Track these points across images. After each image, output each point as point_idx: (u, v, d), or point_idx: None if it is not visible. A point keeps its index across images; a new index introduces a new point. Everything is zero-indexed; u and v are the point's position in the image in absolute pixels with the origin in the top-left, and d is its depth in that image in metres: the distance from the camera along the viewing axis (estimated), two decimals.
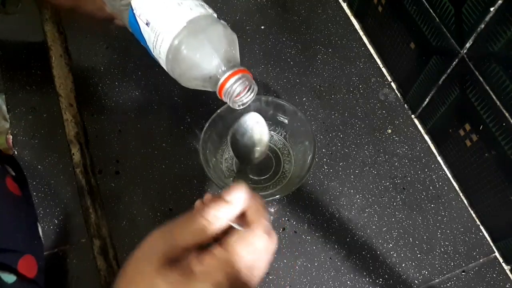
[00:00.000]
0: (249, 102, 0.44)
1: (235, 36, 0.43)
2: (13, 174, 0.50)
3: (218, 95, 0.41)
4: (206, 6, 0.43)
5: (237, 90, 0.40)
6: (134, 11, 0.42)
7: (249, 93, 0.42)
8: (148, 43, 0.43)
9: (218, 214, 0.32)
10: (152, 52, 0.43)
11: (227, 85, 0.40)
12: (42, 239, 0.50)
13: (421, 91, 0.57)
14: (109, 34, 0.65)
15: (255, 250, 0.31)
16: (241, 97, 0.42)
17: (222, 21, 0.43)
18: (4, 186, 0.43)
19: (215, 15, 0.43)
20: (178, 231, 0.31)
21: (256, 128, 0.49)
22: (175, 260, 0.30)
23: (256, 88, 0.42)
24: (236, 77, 0.40)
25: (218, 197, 0.33)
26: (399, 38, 0.58)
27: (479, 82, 0.46)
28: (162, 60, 0.42)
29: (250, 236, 0.31)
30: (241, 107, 0.44)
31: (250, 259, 0.31)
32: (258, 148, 0.50)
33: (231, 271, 0.30)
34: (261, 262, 0.32)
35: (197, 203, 0.33)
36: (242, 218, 0.33)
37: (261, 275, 0.32)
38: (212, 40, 0.40)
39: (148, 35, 0.42)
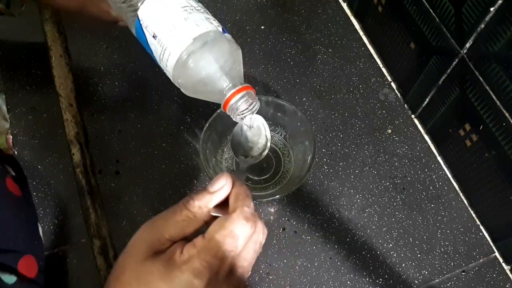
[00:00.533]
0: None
1: (239, 51, 0.44)
2: (13, 174, 0.50)
3: (222, 109, 0.42)
4: (212, 19, 0.44)
5: (242, 107, 0.42)
6: (141, 22, 0.43)
7: (252, 108, 0.44)
8: (154, 55, 0.43)
9: (201, 204, 0.32)
10: (159, 63, 0.44)
11: (232, 101, 0.42)
12: (43, 239, 0.50)
13: (421, 91, 0.57)
14: (109, 34, 0.65)
15: (235, 237, 0.31)
16: (244, 113, 0.43)
17: (227, 34, 0.44)
18: (4, 186, 0.43)
19: (221, 29, 0.43)
20: (163, 223, 0.32)
21: (256, 128, 0.49)
22: (161, 252, 0.31)
23: (258, 104, 0.44)
24: (240, 94, 0.41)
25: (203, 189, 0.33)
26: (399, 38, 0.58)
27: (479, 82, 0.46)
28: (168, 72, 0.43)
29: (229, 223, 0.31)
30: (243, 121, 0.45)
31: (231, 246, 0.31)
32: (257, 148, 0.50)
33: (210, 259, 0.30)
34: (245, 251, 0.32)
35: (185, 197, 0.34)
36: (226, 207, 0.33)
37: (247, 264, 0.32)
38: (218, 57, 0.42)
39: (155, 47, 0.42)
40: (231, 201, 0.33)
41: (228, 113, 0.43)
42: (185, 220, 0.32)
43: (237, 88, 0.41)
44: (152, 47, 0.43)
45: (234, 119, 0.44)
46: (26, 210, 0.47)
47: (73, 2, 0.48)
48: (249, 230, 0.32)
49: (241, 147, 0.49)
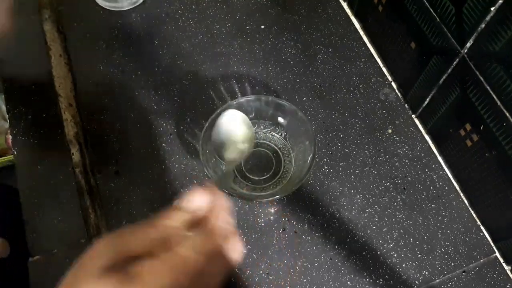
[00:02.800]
0: None
1: None
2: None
3: None
4: None
5: None
6: None
7: None
8: None
9: (170, 223, 0.31)
10: None
11: None
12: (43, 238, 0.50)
13: (422, 91, 0.57)
14: (109, 33, 0.65)
15: (199, 254, 0.29)
16: None
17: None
18: None
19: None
20: (128, 238, 0.30)
21: (232, 126, 0.49)
22: (119, 266, 0.29)
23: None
24: None
25: (172, 205, 0.32)
26: (399, 38, 0.58)
27: (480, 82, 0.46)
28: None
29: (193, 239, 0.30)
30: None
31: (189, 261, 0.29)
32: (240, 145, 0.49)
33: (168, 275, 0.28)
34: (211, 267, 0.30)
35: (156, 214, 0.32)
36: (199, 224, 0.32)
37: (214, 282, 0.30)
38: None
39: None
40: (203, 217, 0.32)
41: None
42: (150, 237, 0.30)
43: None
44: None
45: None
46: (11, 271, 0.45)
47: None
48: (215, 248, 0.30)
49: (223, 147, 0.49)
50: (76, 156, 0.56)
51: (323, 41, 0.66)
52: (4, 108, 0.61)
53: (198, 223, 0.32)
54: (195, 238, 0.30)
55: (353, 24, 0.68)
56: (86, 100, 0.60)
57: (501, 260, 0.53)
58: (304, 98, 0.61)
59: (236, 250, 0.32)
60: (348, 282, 0.51)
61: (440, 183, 0.56)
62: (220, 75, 0.63)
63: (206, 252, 0.30)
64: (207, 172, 0.49)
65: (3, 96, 0.61)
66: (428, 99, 0.57)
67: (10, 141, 0.58)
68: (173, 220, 0.31)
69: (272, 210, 0.55)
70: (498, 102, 0.44)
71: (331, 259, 0.52)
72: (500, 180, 0.48)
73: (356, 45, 0.66)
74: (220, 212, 0.32)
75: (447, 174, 0.57)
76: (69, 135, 0.57)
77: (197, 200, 0.32)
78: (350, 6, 0.69)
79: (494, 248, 0.53)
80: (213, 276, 0.31)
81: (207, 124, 0.51)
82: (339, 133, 0.59)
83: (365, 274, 0.51)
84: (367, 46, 0.66)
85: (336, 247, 0.53)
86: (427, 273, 0.52)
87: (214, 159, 0.54)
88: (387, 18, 0.59)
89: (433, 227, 0.54)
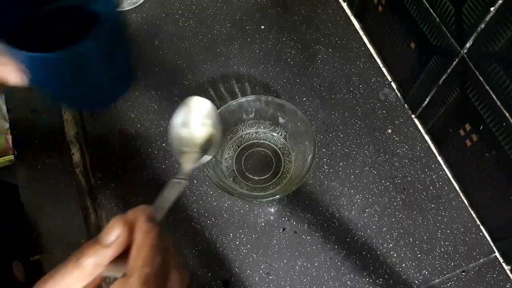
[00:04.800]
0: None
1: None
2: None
3: None
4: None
5: None
6: None
7: None
8: None
9: (96, 261, 0.27)
10: None
11: None
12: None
13: (421, 91, 0.57)
14: None
15: None
16: None
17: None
18: (12, 277, 0.40)
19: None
20: (54, 286, 0.27)
21: (199, 117, 0.43)
22: None
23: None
24: None
25: (94, 240, 0.28)
26: (399, 38, 0.58)
27: (479, 82, 0.46)
28: None
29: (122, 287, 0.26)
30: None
31: None
32: (202, 140, 0.43)
33: None
34: None
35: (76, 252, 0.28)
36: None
37: None
38: None
39: None
40: (131, 256, 0.27)
41: None
42: (79, 281, 0.27)
43: None
44: None
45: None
46: None
47: None
48: None
49: (181, 141, 0.42)
50: (76, 156, 0.56)
51: (323, 41, 0.66)
52: (4, 108, 0.61)
53: (126, 259, 0.28)
54: (118, 285, 0.26)
55: (353, 24, 0.68)
56: None
57: (501, 260, 0.53)
58: (304, 98, 0.61)
59: (183, 284, 0.29)
60: (348, 282, 0.51)
61: (440, 183, 0.57)
62: (220, 75, 0.63)
63: None
64: (207, 172, 0.49)
65: (3, 96, 0.61)
66: (427, 99, 0.57)
67: (10, 141, 0.58)
68: (99, 259, 0.27)
69: (272, 210, 0.55)
70: (498, 102, 0.44)
71: (331, 259, 0.52)
72: (499, 180, 0.48)
73: (356, 45, 0.66)
74: (150, 252, 0.27)
75: (446, 174, 0.57)
76: (69, 135, 0.57)
77: (120, 235, 0.28)
78: (350, 6, 0.69)
79: (494, 248, 0.53)
80: None
81: None
82: (339, 133, 0.59)
83: (365, 273, 0.51)
84: (367, 46, 0.66)
85: (336, 247, 0.53)
86: (426, 272, 0.52)
87: (214, 159, 0.54)
88: (387, 18, 0.59)
89: (433, 227, 0.54)
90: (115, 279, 0.27)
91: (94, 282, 0.28)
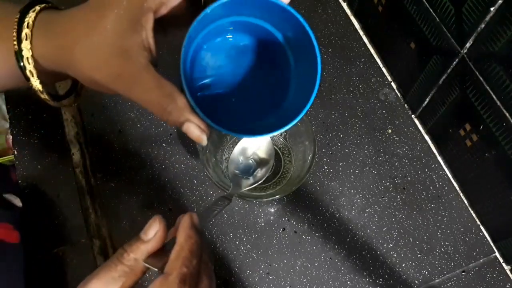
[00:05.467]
0: None
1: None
2: (20, 205, 0.49)
3: None
4: None
5: None
6: None
7: None
8: None
9: (137, 256, 0.30)
10: None
11: None
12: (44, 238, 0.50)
13: (421, 91, 0.57)
14: None
15: None
16: None
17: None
18: None
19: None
20: (99, 283, 0.30)
21: (259, 149, 0.50)
22: None
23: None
24: None
25: (135, 237, 0.31)
26: (399, 38, 0.58)
27: (479, 82, 0.46)
28: None
29: (162, 284, 0.28)
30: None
31: None
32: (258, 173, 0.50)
33: None
34: None
35: (119, 250, 0.31)
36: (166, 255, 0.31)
37: None
38: None
39: None
40: (172, 256, 0.30)
41: None
42: (121, 276, 0.30)
43: None
44: None
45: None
46: (16, 258, 0.45)
47: (117, 79, 0.32)
48: None
49: (237, 166, 0.49)
50: (76, 156, 0.56)
51: (323, 41, 0.66)
52: (4, 108, 0.61)
53: (164, 255, 0.31)
54: (156, 285, 0.28)
55: (353, 24, 0.68)
56: (87, 100, 0.60)
57: (501, 260, 0.53)
58: None
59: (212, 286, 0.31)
60: (348, 282, 0.51)
61: (440, 183, 0.57)
62: None
63: None
64: (207, 172, 0.49)
65: (3, 96, 0.61)
66: (427, 99, 0.57)
67: (10, 141, 0.58)
68: (139, 254, 0.30)
69: (272, 210, 0.55)
70: (498, 102, 0.44)
71: (331, 258, 0.52)
72: (499, 180, 0.48)
73: (356, 45, 0.66)
74: (188, 254, 0.30)
75: (446, 174, 0.57)
76: (69, 135, 0.57)
77: (158, 231, 0.31)
78: (350, 6, 0.69)
79: (494, 248, 0.53)
80: None
81: None
82: (339, 133, 0.59)
83: (364, 273, 0.51)
84: (367, 46, 0.66)
85: (336, 247, 0.53)
86: (426, 272, 0.52)
87: (214, 159, 0.54)
88: (387, 18, 0.59)
89: (433, 227, 0.54)
90: None
91: (136, 276, 0.30)
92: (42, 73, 0.32)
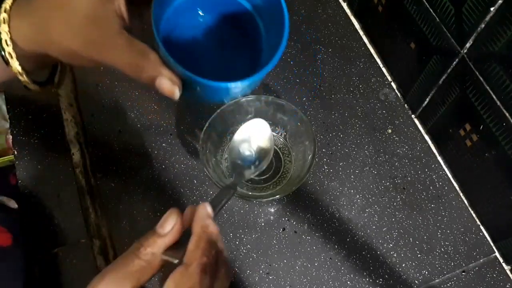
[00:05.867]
0: None
1: None
2: (15, 206, 0.49)
3: None
4: None
5: None
6: None
7: None
8: None
9: (154, 251, 0.30)
10: None
11: None
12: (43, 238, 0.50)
13: (421, 91, 0.57)
14: None
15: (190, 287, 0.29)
16: None
17: None
18: None
19: None
20: (116, 277, 0.30)
21: (259, 137, 0.50)
22: None
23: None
24: None
25: (151, 231, 0.31)
26: (399, 38, 0.58)
27: (479, 82, 0.46)
28: None
29: (184, 277, 0.29)
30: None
31: None
32: (257, 164, 0.50)
33: None
34: None
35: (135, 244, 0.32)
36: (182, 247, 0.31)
37: None
38: None
39: None
40: (190, 247, 0.30)
41: None
42: (138, 270, 0.30)
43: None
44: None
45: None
46: (12, 260, 0.46)
47: (91, 46, 0.33)
48: (208, 283, 0.29)
49: (238, 156, 0.50)
50: (76, 156, 0.56)
51: (323, 41, 0.66)
52: (4, 108, 0.61)
53: (181, 247, 0.31)
54: (185, 279, 0.29)
55: (353, 24, 0.68)
56: (87, 100, 0.60)
57: (501, 260, 0.53)
58: (304, 98, 0.61)
59: (228, 277, 0.32)
60: (348, 282, 0.51)
61: (440, 183, 0.57)
62: None
63: (187, 285, 0.29)
64: (207, 172, 0.49)
65: (3, 96, 0.61)
66: (427, 99, 0.57)
67: (10, 141, 0.58)
68: (157, 248, 0.30)
69: (272, 210, 0.55)
70: (498, 102, 0.44)
71: (331, 258, 0.52)
72: (499, 180, 0.48)
73: (356, 45, 0.66)
74: (207, 244, 0.30)
75: (446, 174, 0.57)
76: (69, 135, 0.57)
77: (175, 224, 0.31)
78: (350, 6, 0.69)
79: (494, 248, 0.53)
80: None
81: (207, 124, 0.52)
82: (339, 133, 0.59)
83: (365, 273, 0.51)
84: (367, 46, 0.66)
85: (336, 247, 0.53)
86: (426, 272, 0.52)
87: (214, 159, 0.54)
88: (387, 18, 0.59)
89: (433, 227, 0.54)
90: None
91: (153, 270, 0.30)
92: (23, 58, 0.33)
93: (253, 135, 0.50)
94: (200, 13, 0.39)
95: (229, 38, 0.40)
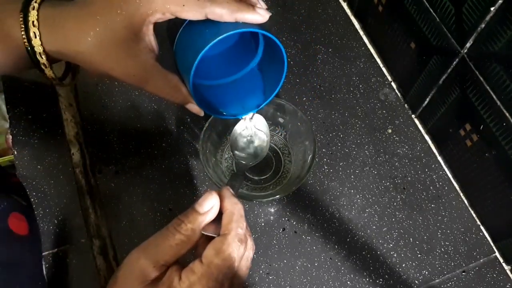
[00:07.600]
0: None
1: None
2: (24, 203, 0.49)
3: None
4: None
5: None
6: None
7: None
8: None
9: (194, 227, 0.33)
10: None
11: None
12: (42, 238, 0.50)
13: (422, 91, 0.57)
14: None
15: (232, 260, 0.32)
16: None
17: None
18: (6, 228, 0.42)
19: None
20: (156, 248, 0.32)
21: (257, 132, 0.50)
22: (156, 278, 0.31)
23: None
24: None
25: (190, 209, 0.34)
26: (399, 38, 0.58)
27: (480, 82, 0.46)
28: None
29: (226, 246, 0.32)
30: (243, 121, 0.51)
31: (229, 269, 0.31)
32: (257, 148, 0.51)
33: (212, 285, 0.30)
34: (239, 270, 0.33)
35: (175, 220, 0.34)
36: (216, 224, 0.34)
37: (241, 281, 0.33)
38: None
39: None
40: (224, 221, 0.34)
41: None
42: (178, 244, 0.32)
43: None
44: None
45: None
46: (30, 250, 0.46)
47: (132, 78, 0.40)
48: (242, 250, 0.33)
49: (239, 148, 0.50)
50: (76, 156, 0.56)
51: (323, 41, 0.66)
52: (4, 108, 0.61)
53: (216, 224, 0.34)
54: (224, 247, 0.32)
55: (353, 24, 0.68)
56: (87, 100, 0.60)
57: (501, 260, 0.53)
58: (304, 98, 0.61)
59: (252, 249, 0.35)
60: (348, 282, 0.51)
61: (440, 183, 0.57)
62: None
63: (236, 259, 0.32)
64: (207, 172, 0.49)
65: (3, 96, 0.61)
66: (428, 99, 0.57)
67: (10, 141, 0.58)
68: (197, 225, 0.33)
69: (272, 210, 0.55)
70: (498, 102, 0.44)
71: (331, 259, 0.52)
72: (500, 180, 0.48)
73: (356, 45, 0.66)
74: (239, 218, 0.34)
75: (447, 174, 0.57)
76: (69, 135, 0.57)
77: (214, 204, 0.34)
78: (350, 6, 0.69)
79: (494, 248, 0.53)
80: (241, 278, 0.33)
81: (207, 124, 0.52)
82: (339, 133, 0.59)
83: (365, 273, 0.51)
84: (367, 46, 0.66)
85: (336, 247, 0.53)
86: (426, 272, 0.52)
87: (214, 159, 0.54)
88: (387, 18, 0.59)
89: (433, 227, 0.54)
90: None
91: (190, 245, 0.33)
92: (54, 65, 0.39)
93: (249, 126, 0.52)
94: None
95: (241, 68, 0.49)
